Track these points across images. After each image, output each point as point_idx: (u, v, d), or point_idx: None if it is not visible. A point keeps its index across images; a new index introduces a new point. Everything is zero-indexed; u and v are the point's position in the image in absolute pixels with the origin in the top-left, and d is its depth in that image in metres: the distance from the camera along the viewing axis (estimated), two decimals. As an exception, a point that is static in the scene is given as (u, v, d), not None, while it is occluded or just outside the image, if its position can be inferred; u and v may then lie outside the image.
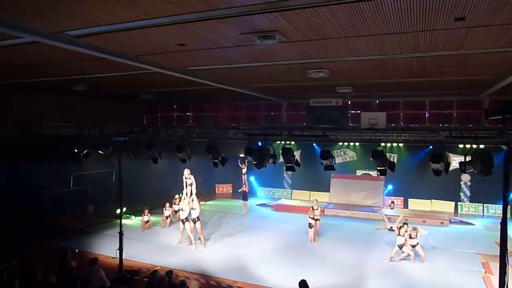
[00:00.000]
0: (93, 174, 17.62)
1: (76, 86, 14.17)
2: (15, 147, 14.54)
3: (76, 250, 10.22)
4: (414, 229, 12.05)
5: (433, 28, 6.45)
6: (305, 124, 18.08)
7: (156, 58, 9.38)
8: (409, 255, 11.97)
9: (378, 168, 11.48)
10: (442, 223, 16.84)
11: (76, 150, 14.21)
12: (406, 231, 12.08)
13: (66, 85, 14.00)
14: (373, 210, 18.79)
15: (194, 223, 13.11)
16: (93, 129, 15.29)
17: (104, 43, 7.79)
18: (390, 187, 20.43)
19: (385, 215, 15.63)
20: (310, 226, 14.07)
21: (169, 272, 8.67)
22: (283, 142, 14.75)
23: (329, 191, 20.93)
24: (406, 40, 7.32)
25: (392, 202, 19.60)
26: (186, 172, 13.72)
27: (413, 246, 11.91)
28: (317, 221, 14.32)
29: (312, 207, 14.45)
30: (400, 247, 12.03)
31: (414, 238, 11.90)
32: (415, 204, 19.94)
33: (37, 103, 16.18)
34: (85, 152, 14.08)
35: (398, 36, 6.99)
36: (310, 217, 14.08)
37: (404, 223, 12.58)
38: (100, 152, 13.21)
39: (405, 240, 12.00)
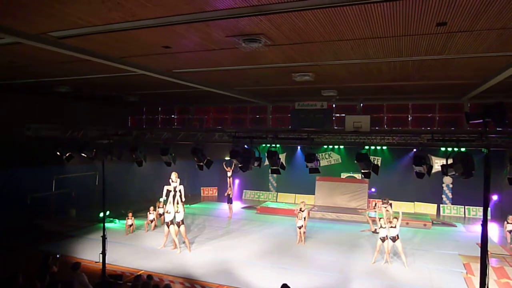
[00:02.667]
0: (76, 177, 17.35)
1: (59, 87, 13.99)
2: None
3: (58, 255, 10.03)
4: (395, 217, 12.16)
5: (415, 33, 6.57)
6: (290, 127, 18.16)
7: (141, 60, 9.33)
8: (388, 255, 12.08)
9: (362, 171, 11.58)
10: (424, 225, 17.07)
11: (58, 153, 13.98)
12: (386, 222, 12.18)
13: (49, 86, 13.82)
14: (357, 212, 18.94)
15: (178, 227, 13.02)
16: (76, 132, 15.07)
17: (88, 44, 7.72)
18: (373, 189, 20.62)
19: (370, 217, 15.78)
20: (300, 227, 14.13)
21: (149, 276, 8.59)
22: (268, 145, 14.80)
23: (314, 194, 21.03)
24: (390, 45, 7.44)
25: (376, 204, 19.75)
26: (174, 175, 13.64)
27: (393, 240, 11.96)
28: (301, 222, 14.31)
29: (300, 208, 14.48)
30: (383, 240, 12.11)
31: (394, 228, 11.95)
32: (398, 206, 20.08)
33: (19, 105, 15.89)
34: (68, 154, 13.86)
35: (381, 40, 7.10)
36: (299, 219, 14.14)
37: (388, 201, 12.75)
38: (83, 154, 13.02)
39: (387, 229, 12.06)
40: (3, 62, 9.66)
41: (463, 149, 9.72)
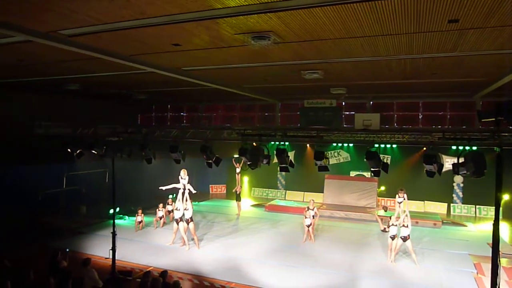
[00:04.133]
0: (86, 174, 17.50)
1: (69, 85, 14.09)
2: (8, 147, 14.40)
3: (67, 250, 10.14)
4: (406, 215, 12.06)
5: (427, 30, 6.49)
6: (299, 125, 18.11)
7: (150, 58, 9.35)
8: (396, 254, 12.01)
9: (371, 169, 11.49)
10: (434, 224, 16.91)
11: (69, 150, 14.11)
12: (396, 218, 12.13)
13: (59, 84, 13.92)
14: (366, 211, 18.82)
15: (187, 224, 13.07)
16: (87, 129, 15.20)
17: (98, 42, 7.75)
18: (383, 188, 20.48)
19: (379, 216, 15.66)
20: (308, 225, 14.08)
21: (164, 273, 8.64)
22: (277, 143, 14.75)
23: (322, 192, 20.96)
24: (400, 42, 7.36)
25: (385, 207, 19.25)
26: (183, 172, 13.69)
27: (404, 240, 11.87)
28: (309, 220, 14.25)
29: (308, 207, 14.46)
30: (392, 238, 12.02)
31: (406, 227, 11.87)
32: (408, 205, 19.96)
33: (30, 103, 16.06)
34: (78, 152, 13.99)
35: (392, 37, 7.02)
36: (306, 217, 14.09)
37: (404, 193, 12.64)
38: (93, 152, 13.12)
39: (399, 226, 11.96)
40: (14, 60, 9.74)
41: (474, 148, 9.61)
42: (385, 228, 12.65)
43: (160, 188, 14.84)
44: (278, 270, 11.43)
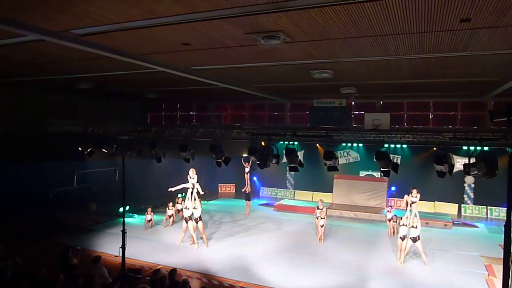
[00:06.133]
0: (97, 172, 17.68)
1: (80, 84, 14.24)
2: (20, 145, 14.60)
3: (78, 247, 10.24)
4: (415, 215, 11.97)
5: (438, 29, 6.43)
6: (308, 124, 18.06)
7: (160, 57, 9.41)
8: (406, 255, 11.93)
9: (381, 169, 11.44)
10: (445, 225, 16.76)
11: (80, 148, 14.28)
12: (407, 218, 12.02)
13: (71, 83, 14.07)
14: (376, 211, 18.70)
15: (196, 223, 13.13)
16: (97, 128, 15.34)
17: (109, 41, 7.81)
18: (394, 188, 20.34)
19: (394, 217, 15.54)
20: (320, 225, 14.07)
21: (173, 271, 8.68)
22: (286, 142, 14.73)
23: (332, 192, 20.89)
24: (411, 41, 7.30)
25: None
26: (192, 171, 13.75)
27: (414, 241, 11.79)
28: (323, 220, 14.22)
29: (318, 206, 14.43)
30: (402, 238, 11.94)
31: (416, 228, 11.80)
32: (418, 205, 19.75)
33: (42, 101, 16.25)
34: (89, 150, 14.14)
35: (402, 37, 6.97)
36: (317, 218, 14.08)
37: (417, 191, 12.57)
38: (104, 150, 13.25)
39: (408, 227, 11.88)
40: (26, 59, 9.87)
41: (486, 148, 9.51)
42: (394, 230, 12.47)
43: (169, 189, 14.92)
44: (286, 270, 11.42)
